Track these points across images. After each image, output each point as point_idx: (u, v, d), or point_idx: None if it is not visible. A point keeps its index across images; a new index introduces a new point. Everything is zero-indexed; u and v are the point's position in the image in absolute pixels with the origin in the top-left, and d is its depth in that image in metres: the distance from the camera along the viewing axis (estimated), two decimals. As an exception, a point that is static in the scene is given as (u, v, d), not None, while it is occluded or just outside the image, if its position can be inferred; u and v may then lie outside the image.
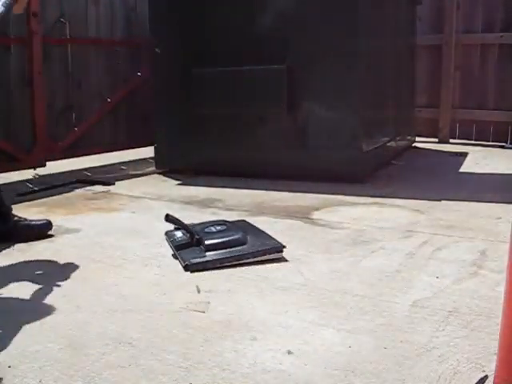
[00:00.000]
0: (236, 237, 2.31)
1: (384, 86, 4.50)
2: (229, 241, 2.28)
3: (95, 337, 1.59)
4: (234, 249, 2.23)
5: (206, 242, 2.26)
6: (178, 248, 2.32)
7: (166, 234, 2.53)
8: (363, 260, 2.24)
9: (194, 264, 2.14)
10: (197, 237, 2.32)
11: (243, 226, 2.54)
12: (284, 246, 2.28)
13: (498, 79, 5.78)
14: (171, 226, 2.54)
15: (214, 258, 2.18)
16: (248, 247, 2.25)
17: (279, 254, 2.25)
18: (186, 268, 2.14)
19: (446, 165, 4.73)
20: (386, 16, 4.53)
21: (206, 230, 2.41)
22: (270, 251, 2.24)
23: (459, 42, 5.93)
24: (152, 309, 1.79)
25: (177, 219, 2.44)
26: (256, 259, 2.20)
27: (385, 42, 4.48)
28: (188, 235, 2.37)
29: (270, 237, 2.40)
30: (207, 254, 2.21)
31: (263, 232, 2.47)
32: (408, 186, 3.73)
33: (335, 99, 3.78)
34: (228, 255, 2.19)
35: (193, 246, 2.30)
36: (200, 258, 2.18)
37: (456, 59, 5.98)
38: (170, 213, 2.46)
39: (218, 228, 2.42)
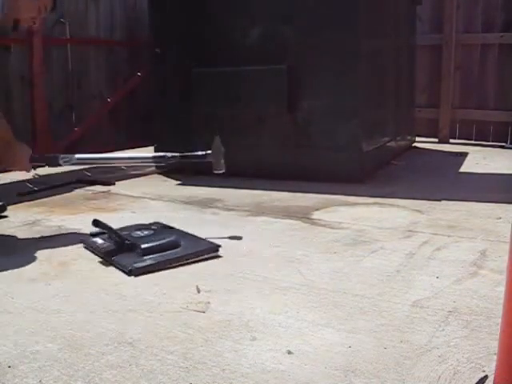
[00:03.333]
0: (170, 239, 2.30)
1: (384, 86, 4.50)
2: (164, 243, 2.27)
3: (95, 337, 1.59)
4: (170, 251, 2.23)
5: (143, 246, 2.23)
6: (108, 254, 2.26)
7: (83, 242, 2.47)
8: (363, 260, 2.24)
9: (138, 268, 2.11)
10: (127, 242, 2.29)
11: (165, 228, 2.53)
12: (219, 245, 2.30)
13: (498, 79, 5.78)
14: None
15: (155, 261, 2.16)
16: (183, 249, 2.26)
17: (215, 253, 2.28)
18: (130, 273, 2.09)
19: (445, 165, 4.72)
20: (386, 16, 4.53)
21: (133, 234, 2.39)
22: (208, 251, 2.27)
23: (459, 41, 5.93)
24: (152, 309, 1.79)
25: (104, 224, 2.38)
26: (194, 259, 2.21)
27: (385, 41, 4.48)
28: (111, 241, 2.33)
29: (200, 238, 2.41)
30: (145, 257, 2.18)
31: (189, 234, 2.46)
32: (408, 186, 3.73)
33: (335, 99, 3.78)
34: (168, 257, 2.18)
35: (124, 252, 2.26)
36: (141, 262, 2.16)
37: (456, 59, 5.98)
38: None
39: (146, 232, 2.41)
